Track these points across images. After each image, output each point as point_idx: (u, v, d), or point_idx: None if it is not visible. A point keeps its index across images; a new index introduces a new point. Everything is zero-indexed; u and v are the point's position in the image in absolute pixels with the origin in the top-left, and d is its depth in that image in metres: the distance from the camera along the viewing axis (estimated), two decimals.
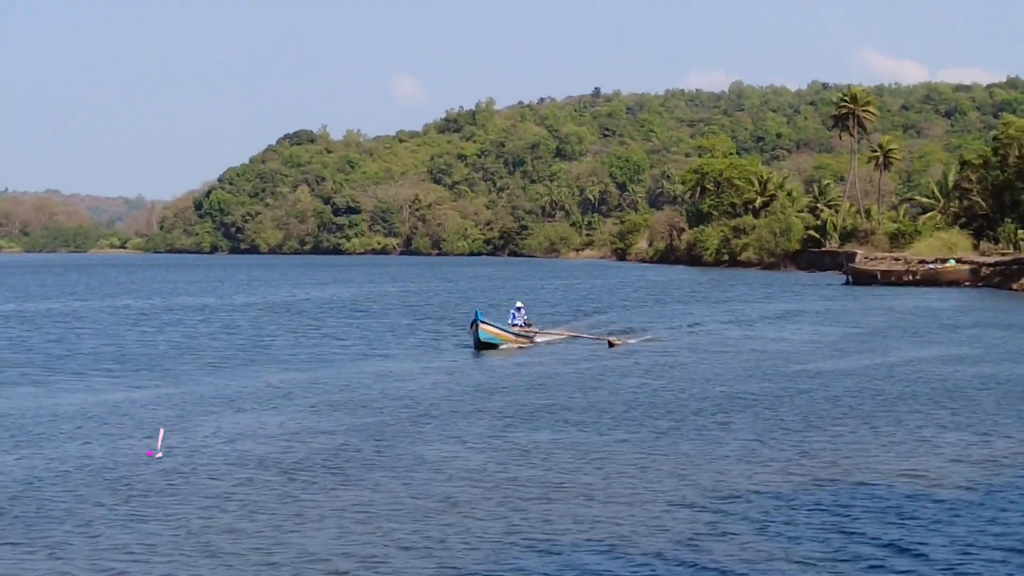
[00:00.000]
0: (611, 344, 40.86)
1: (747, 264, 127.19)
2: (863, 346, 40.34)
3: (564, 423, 24.11)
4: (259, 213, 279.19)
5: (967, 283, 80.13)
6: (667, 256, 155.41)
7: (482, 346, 40.23)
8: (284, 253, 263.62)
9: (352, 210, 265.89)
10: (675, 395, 28.27)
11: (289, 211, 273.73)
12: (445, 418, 24.75)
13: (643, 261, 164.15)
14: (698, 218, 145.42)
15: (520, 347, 41.20)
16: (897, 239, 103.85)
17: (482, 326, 40.44)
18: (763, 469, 19.30)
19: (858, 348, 39.70)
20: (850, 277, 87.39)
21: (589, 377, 32.14)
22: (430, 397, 28.15)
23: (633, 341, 42.32)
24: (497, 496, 17.52)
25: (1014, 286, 74.29)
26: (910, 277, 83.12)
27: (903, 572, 13.73)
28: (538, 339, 42.89)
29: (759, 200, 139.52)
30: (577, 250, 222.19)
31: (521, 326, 42.94)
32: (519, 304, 44.85)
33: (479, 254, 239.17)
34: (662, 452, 20.85)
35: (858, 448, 21.12)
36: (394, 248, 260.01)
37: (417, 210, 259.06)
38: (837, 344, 41.21)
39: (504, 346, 40.80)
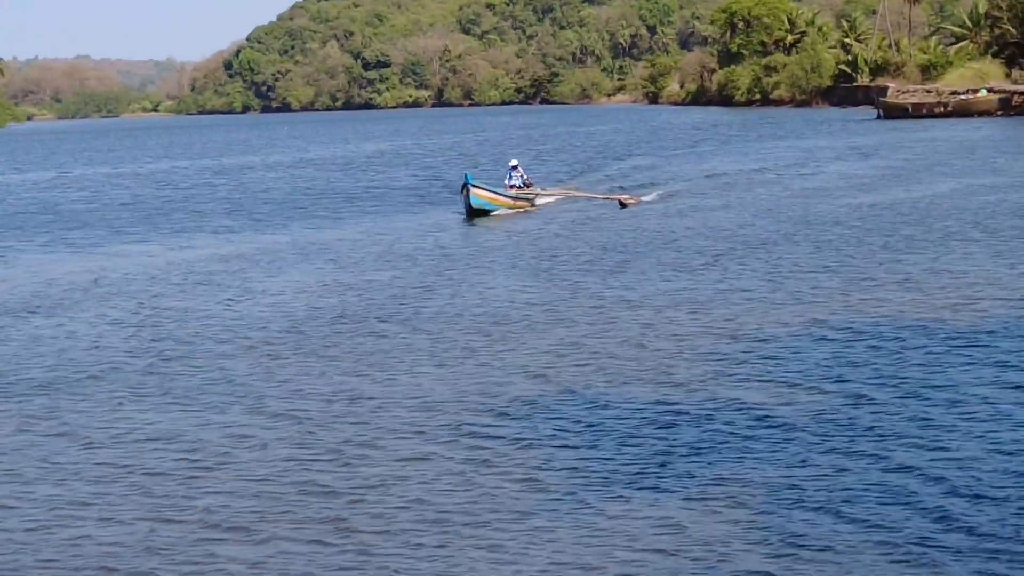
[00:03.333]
0: (623, 204, 37.13)
1: (779, 102, 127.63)
2: (895, 180, 41.27)
3: (586, 273, 24.12)
4: (289, 71, 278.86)
5: (999, 112, 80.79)
6: (699, 98, 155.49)
7: (474, 213, 35.83)
8: (316, 110, 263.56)
9: (382, 64, 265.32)
10: (703, 240, 28.27)
11: (319, 67, 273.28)
12: (470, 273, 24.94)
13: (675, 104, 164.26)
14: (729, 58, 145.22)
15: (519, 211, 36.95)
16: (928, 71, 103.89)
17: (473, 190, 35.86)
18: (795, 304, 19.98)
19: (890, 182, 40.57)
20: (881, 111, 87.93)
21: (604, 232, 31.16)
22: (457, 254, 28.37)
23: (647, 198, 39.08)
24: (529, 338, 18.17)
25: None
26: (941, 109, 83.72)
27: (925, 403, 13.88)
28: (539, 201, 38.66)
29: (789, 37, 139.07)
30: (609, 95, 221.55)
31: (519, 187, 38.29)
32: (514, 162, 39.69)
33: (511, 103, 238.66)
34: (688, 294, 21.16)
35: (895, 279, 21.47)
36: (426, 100, 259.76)
37: (447, 61, 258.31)
38: (869, 179, 42.26)
39: (499, 211, 36.31)
